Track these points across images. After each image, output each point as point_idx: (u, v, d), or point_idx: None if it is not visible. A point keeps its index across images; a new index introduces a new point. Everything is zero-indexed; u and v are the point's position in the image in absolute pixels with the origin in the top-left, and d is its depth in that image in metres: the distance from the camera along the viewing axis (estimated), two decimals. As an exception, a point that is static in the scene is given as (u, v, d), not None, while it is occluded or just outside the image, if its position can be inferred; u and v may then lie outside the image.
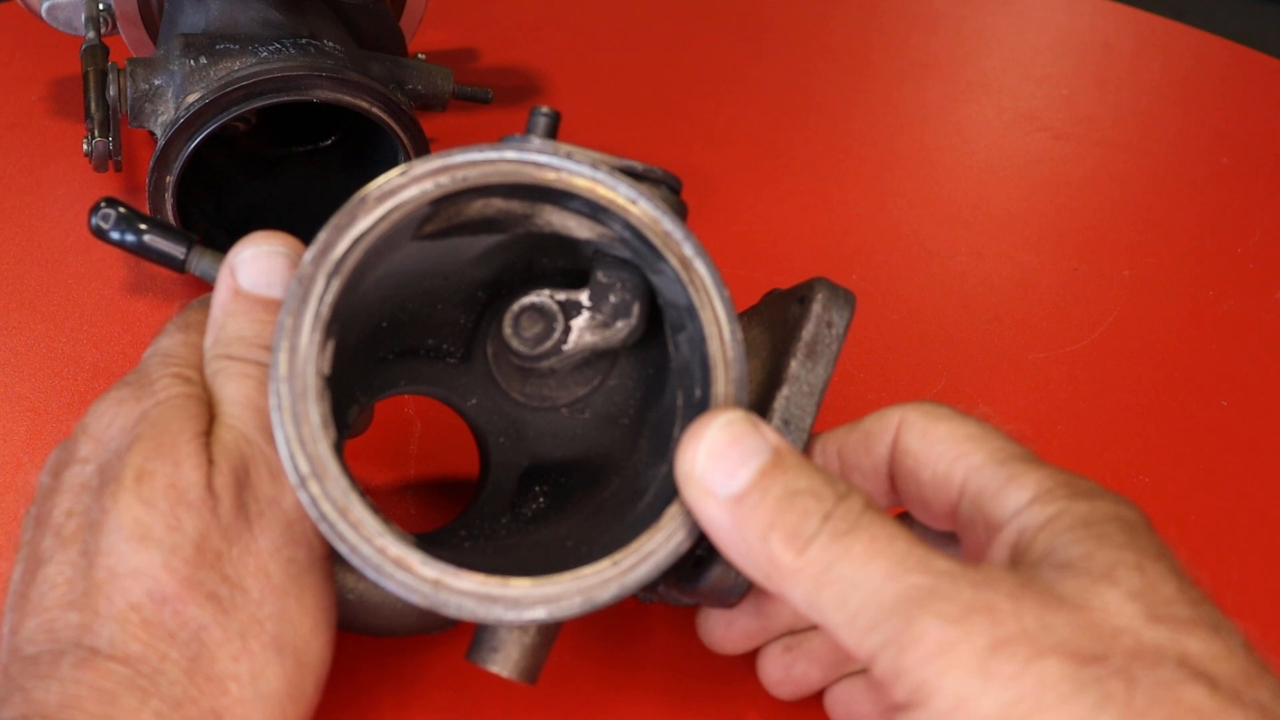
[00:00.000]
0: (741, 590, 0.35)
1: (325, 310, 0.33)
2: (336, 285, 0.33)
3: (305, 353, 0.33)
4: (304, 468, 0.32)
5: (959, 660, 0.28)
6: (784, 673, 0.40)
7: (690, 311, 0.35)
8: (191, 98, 0.53)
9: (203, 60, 0.55)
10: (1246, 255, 0.70)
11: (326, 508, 0.32)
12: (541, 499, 0.41)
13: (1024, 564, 0.31)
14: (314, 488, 0.32)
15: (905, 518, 0.38)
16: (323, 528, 0.32)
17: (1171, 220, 0.73)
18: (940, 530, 0.37)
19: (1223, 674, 0.28)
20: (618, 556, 0.33)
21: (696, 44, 0.91)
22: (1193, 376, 0.60)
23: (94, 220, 0.40)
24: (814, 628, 0.40)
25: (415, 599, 0.32)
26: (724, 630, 0.40)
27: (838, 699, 0.40)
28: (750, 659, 0.41)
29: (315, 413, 0.33)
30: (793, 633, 0.40)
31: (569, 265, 0.40)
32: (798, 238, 0.69)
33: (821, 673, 0.40)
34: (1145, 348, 0.62)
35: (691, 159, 0.74)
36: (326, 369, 0.33)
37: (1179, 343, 0.62)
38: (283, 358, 0.33)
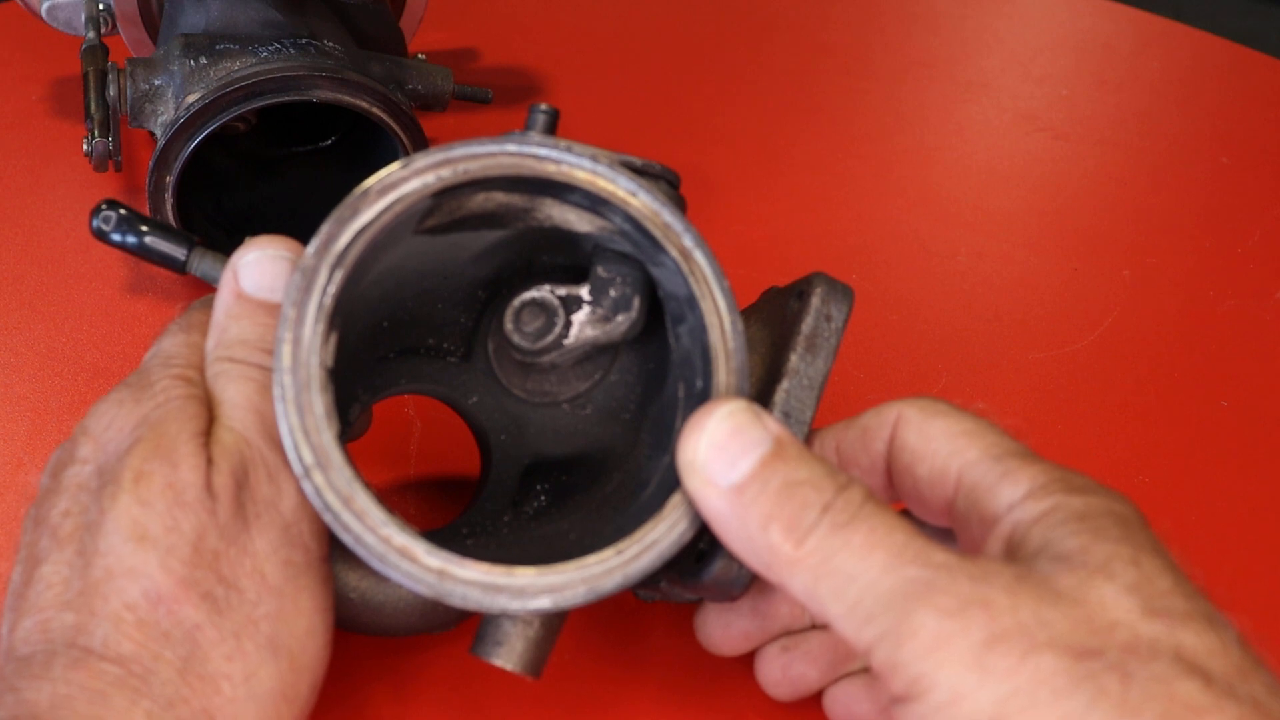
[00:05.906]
0: (744, 583, 0.35)
1: (329, 302, 0.33)
2: (340, 277, 0.33)
3: (309, 344, 0.33)
4: (308, 458, 0.32)
5: (955, 654, 0.28)
6: (781, 673, 0.40)
7: (691, 303, 0.35)
8: (191, 98, 0.53)
9: (203, 60, 0.55)
10: (1246, 255, 0.70)
11: (330, 498, 0.32)
12: (543, 496, 0.41)
13: (1019, 558, 0.31)
14: (318, 478, 0.32)
15: (904, 514, 0.38)
16: (327, 518, 0.32)
17: (1171, 220, 0.73)
18: (937, 526, 0.37)
19: (1217, 668, 0.28)
20: (621, 546, 0.33)
21: (696, 44, 0.91)
22: (1193, 376, 0.60)
23: (95, 222, 0.40)
24: (812, 628, 0.40)
25: (420, 589, 0.32)
26: (721, 631, 0.40)
27: (836, 699, 0.40)
28: (751, 659, 0.41)
29: (319, 403, 0.33)
30: (790, 633, 0.40)
31: (569, 261, 0.40)
32: (797, 237, 0.69)
33: (819, 673, 0.40)
34: (1145, 348, 0.62)
35: (691, 158, 0.74)
36: (329, 361, 0.33)
37: (1179, 343, 0.62)
38: (286, 349, 0.33)
